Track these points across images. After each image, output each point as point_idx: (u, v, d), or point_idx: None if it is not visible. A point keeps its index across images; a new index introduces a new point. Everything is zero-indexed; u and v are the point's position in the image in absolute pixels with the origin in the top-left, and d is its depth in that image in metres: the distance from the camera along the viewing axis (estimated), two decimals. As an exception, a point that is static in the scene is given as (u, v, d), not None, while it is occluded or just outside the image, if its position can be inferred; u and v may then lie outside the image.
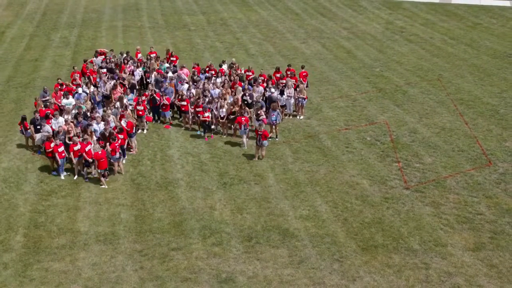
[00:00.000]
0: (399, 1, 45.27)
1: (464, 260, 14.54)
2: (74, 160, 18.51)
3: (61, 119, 19.98)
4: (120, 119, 20.19)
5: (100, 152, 17.92)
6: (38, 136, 19.95)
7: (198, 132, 22.14)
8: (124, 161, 19.67)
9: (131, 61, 26.34)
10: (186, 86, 23.18)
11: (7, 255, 14.88)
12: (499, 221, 16.22)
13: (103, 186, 18.22)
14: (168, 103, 22.37)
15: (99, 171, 18.17)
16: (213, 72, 24.64)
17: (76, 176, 18.79)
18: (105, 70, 25.13)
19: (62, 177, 18.75)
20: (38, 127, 19.96)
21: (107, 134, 18.83)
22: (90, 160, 18.18)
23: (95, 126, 19.58)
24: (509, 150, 20.34)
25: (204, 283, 13.78)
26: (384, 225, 16.06)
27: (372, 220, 16.31)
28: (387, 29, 37.77)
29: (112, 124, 19.57)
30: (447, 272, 14.10)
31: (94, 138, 19.02)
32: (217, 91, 22.63)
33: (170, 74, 24.53)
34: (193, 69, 25.23)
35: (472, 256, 14.71)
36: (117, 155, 18.52)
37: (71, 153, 18.43)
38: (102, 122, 19.79)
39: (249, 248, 15.09)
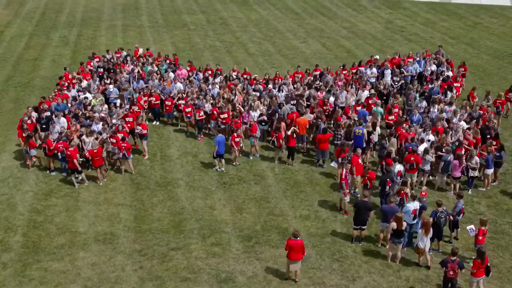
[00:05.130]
0: (399, 0, 45.22)
1: (464, 260, 14.49)
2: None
3: (62, 120, 19.91)
4: (124, 118, 20.27)
5: (95, 150, 17.90)
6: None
7: (188, 134, 22.02)
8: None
9: (130, 61, 26.30)
10: (179, 85, 23.12)
11: (6, 255, 14.84)
12: (499, 221, 16.20)
13: (101, 183, 18.31)
14: (170, 104, 22.25)
15: (95, 168, 18.20)
16: (210, 73, 24.60)
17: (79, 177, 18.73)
18: (101, 70, 25.06)
19: (64, 175, 18.76)
20: (44, 126, 19.90)
21: (106, 134, 18.83)
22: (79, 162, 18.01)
23: (93, 126, 19.54)
24: (509, 150, 20.28)
25: (204, 283, 13.75)
26: (384, 225, 16.02)
27: (372, 220, 16.25)
28: (387, 28, 37.73)
29: (114, 122, 19.67)
30: (447, 272, 14.07)
31: (93, 137, 18.95)
32: (216, 90, 22.62)
33: (171, 74, 24.46)
34: (188, 68, 25.31)
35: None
36: (120, 155, 18.54)
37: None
38: (101, 122, 19.75)
39: (249, 248, 15.06)
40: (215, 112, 20.83)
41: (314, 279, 13.87)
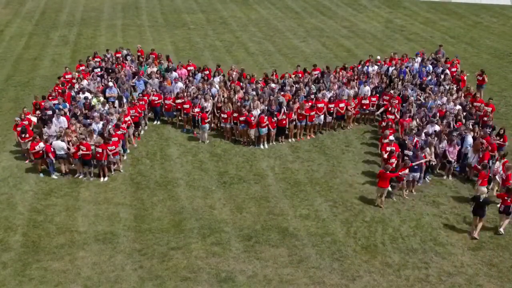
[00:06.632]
0: (399, -1, 45.26)
1: (464, 259, 14.52)
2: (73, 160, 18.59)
3: (62, 119, 19.91)
4: (126, 117, 20.35)
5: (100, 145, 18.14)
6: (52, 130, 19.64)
7: (184, 130, 22.07)
8: (125, 157, 19.70)
9: (129, 60, 26.28)
10: (180, 84, 23.17)
11: (6, 254, 14.83)
12: (499, 220, 16.19)
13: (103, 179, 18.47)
14: (171, 103, 22.25)
15: (100, 162, 18.27)
16: (207, 72, 24.61)
17: (77, 175, 18.78)
18: (98, 70, 25.03)
19: (54, 177, 18.73)
20: (45, 125, 19.90)
21: (106, 134, 18.80)
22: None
23: (94, 125, 19.53)
24: (509, 149, 20.25)
25: (204, 283, 13.74)
26: (384, 224, 16.03)
27: (372, 219, 16.28)
28: (387, 27, 37.71)
29: (113, 122, 19.62)
30: (447, 271, 14.08)
31: (94, 136, 18.95)
32: (214, 89, 22.63)
33: (174, 74, 24.46)
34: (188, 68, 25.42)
35: (472, 255, 14.68)
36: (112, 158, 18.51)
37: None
38: (101, 122, 19.74)
39: (249, 248, 15.05)
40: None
41: (314, 279, 13.86)
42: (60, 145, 18.35)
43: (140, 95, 22.37)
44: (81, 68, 25.60)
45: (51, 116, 20.32)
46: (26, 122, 19.83)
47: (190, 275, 14.00)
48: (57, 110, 20.52)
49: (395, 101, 21.36)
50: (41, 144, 18.43)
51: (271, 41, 34.88)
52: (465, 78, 24.25)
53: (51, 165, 18.68)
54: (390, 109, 21.01)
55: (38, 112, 20.86)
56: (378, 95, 22.38)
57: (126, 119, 20.28)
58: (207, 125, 20.94)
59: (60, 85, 23.07)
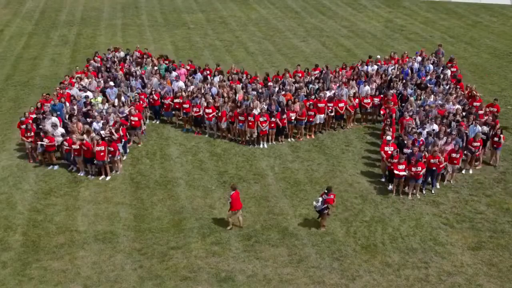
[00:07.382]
0: (399, -1, 45.27)
1: (464, 259, 14.51)
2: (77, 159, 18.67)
3: (54, 119, 19.88)
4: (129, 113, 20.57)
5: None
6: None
7: (184, 130, 22.10)
8: (124, 157, 19.71)
9: (128, 60, 26.25)
10: (181, 83, 23.20)
11: (5, 254, 14.84)
12: (499, 220, 16.20)
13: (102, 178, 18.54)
14: (169, 103, 22.27)
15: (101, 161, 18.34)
16: (208, 72, 24.62)
17: (81, 173, 18.91)
18: (94, 71, 25.02)
19: (56, 168, 19.07)
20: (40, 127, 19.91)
21: (105, 134, 18.79)
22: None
23: (94, 125, 19.53)
24: (509, 149, 20.31)
25: (204, 282, 13.75)
26: (384, 224, 16.03)
27: (372, 219, 16.28)
28: (387, 27, 37.71)
29: (111, 122, 19.62)
30: (447, 271, 14.07)
31: (93, 135, 18.95)
32: (214, 89, 22.63)
33: (173, 73, 24.48)
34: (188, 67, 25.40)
35: (472, 255, 14.68)
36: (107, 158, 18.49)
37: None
38: (102, 121, 19.74)
39: (249, 247, 15.05)
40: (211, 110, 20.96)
41: (314, 278, 13.87)
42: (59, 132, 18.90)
43: (137, 94, 22.38)
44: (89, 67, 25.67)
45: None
46: (31, 121, 19.85)
47: (190, 274, 14.00)
48: (48, 111, 20.54)
49: (391, 103, 21.29)
50: (46, 140, 18.62)
51: (271, 40, 34.88)
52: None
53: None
54: (387, 111, 20.85)
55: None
56: (381, 95, 22.28)
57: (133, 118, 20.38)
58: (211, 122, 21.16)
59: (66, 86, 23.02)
